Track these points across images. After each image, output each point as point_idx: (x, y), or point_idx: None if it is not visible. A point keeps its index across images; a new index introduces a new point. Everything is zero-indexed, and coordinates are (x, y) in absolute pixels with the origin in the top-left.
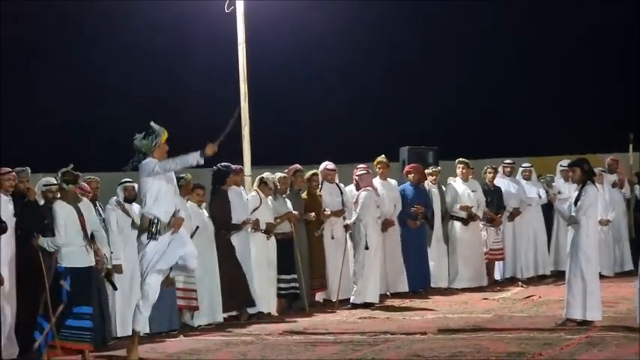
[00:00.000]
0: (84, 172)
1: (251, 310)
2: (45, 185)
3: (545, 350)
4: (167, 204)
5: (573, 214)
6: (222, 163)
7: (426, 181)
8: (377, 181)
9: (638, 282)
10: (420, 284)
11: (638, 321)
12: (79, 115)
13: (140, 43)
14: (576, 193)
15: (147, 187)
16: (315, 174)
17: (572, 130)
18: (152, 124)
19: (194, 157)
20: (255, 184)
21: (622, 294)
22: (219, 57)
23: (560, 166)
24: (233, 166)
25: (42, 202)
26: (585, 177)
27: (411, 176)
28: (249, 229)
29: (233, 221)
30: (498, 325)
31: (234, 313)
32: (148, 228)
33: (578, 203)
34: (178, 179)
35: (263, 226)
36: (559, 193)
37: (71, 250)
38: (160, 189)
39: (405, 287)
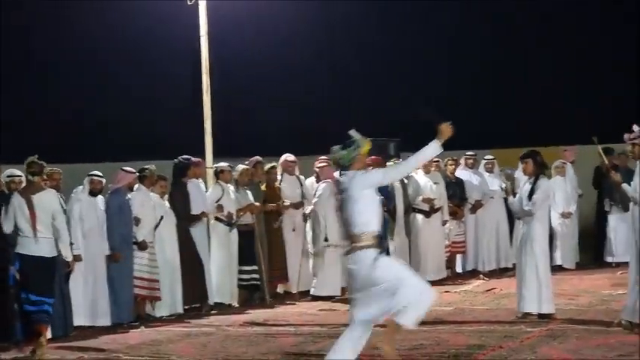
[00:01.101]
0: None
1: (211, 301)
2: (8, 176)
3: (506, 343)
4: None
5: (527, 207)
6: (183, 156)
7: None
8: (337, 173)
9: (638, 279)
10: None
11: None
12: (43, 106)
13: (101, 35)
14: (528, 185)
15: (365, 201)
16: (274, 166)
17: (536, 122)
18: (353, 132)
19: (434, 148)
20: (213, 176)
21: (583, 287)
22: (181, 49)
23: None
24: (193, 159)
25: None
26: (538, 169)
27: (371, 168)
28: (212, 218)
29: (192, 213)
30: (459, 317)
31: (195, 304)
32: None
33: (533, 197)
34: (142, 170)
35: (228, 212)
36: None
37: (22, 238)
38: (373, 201)
39: None
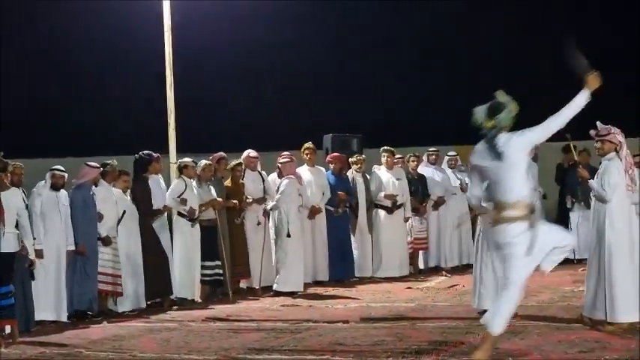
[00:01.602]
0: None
1: (174, 297)
2: None
3: (467, 339)
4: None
5: (484, 204)
6: (144, 152)
7: (350, 170)
8: (305, 168)
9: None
10: (344, 274)
11: None
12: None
13: (63, 31)
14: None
15: (521, 167)
16: (239, 164)
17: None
18: (500, 94)
19: (584, 98)
20: (176, 171)
21: (545, 283)
22: (145, 44)
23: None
24: (154, 154)
25: None
26: None
27: (332, 166)
28: (175, 213)
29: (154, 208)
30: (421, 314)
31: (157, 299)
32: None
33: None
34: (104, 165)
35: (189, 207)
36: (467, 184)
37: None
38: (528, 165)
39: (327, 276)
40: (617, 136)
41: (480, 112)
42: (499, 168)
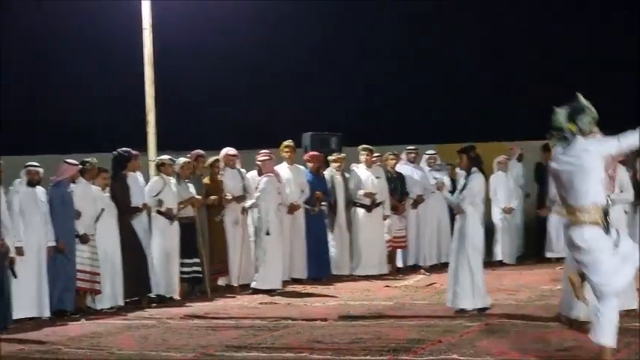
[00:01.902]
0: None
1: (153, 294)
2: None
3: (445, 337)
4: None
5: (455, 201)
6: (123, 149)
7: (329, 168)
8: (284, 166)
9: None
10: (320, 272)
11: None
12: None
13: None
14: (463, 180)
15: (597, 172)
16: (217, 160)
17: (479, 117)
18: (580, 97)
19: None
20: (155, 169)
21: (523, 282)
22: (125, 43)
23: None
24: (133, 152)
25: None
26: (471, 164)
27: (309, 165)
28: (153, 211)
29: (132, 205)
30: (399, 312)
31: (136, 297)
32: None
33: (463, 192)
34: (84, 163)
35: (166, 207)
36: (443, 183)
37: None
38: (602, 170)
39: (305, 274)
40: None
41: (561, 114)
42: (574, 172)
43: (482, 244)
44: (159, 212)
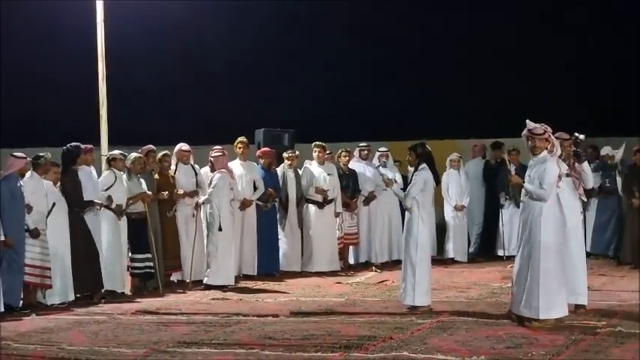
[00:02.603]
0: None
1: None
2: None
3: (396, 334)
4: None
5: (404, 198)
6: (72, 143)
7: (281, 165)
8: (237, 162)
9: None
10: (270, 268)
11: None
12: None
13: None
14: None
15: None
16: (166, 154)
17: (430, 114)
18: None
19: None
20: (106, 164)
21: (474, 279)
22: (78, 39)
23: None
24: (83, 146)
25: None
26: (420, 161)
27: (261, 160)
28: (99, 208)
29: (85, 199)
30: (351, 309)
31: (87, 292)
32: None
33: (408, 188)
34: (37, 158)
35: (117, 203)
36: (390, 180)
37: None
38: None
39: (255, 270)
40: (552, 135)
41: None
42: None
43: (428, 241)
44: (107, 207)
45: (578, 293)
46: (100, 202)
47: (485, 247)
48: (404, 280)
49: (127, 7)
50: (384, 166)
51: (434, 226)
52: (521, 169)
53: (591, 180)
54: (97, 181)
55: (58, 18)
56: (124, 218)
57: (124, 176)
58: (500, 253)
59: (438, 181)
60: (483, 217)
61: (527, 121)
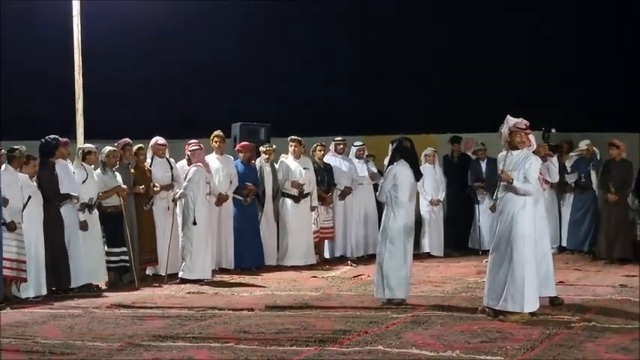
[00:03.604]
0: None
1: (79, 283)
2: None
3: (371, 328)
4: None
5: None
6: (51, 136)
7: (258, 159)
8: (213, 156)
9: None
10: (252, 262)
11: None
12: None
13: None
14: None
15: None
16: (141, 148)
17: (406, 109)
18: None
19: None
20: (79, 157)
21: (449, 274)
22: (54, 31)
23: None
24: (61, 139)
25: None
26: (393, 155)
27: (241, 155)
28: (77, 202)
29: (62, 193)
30: (326, 303)
31: (62, 286)
32: None
33: (381, 182)
34: (12, 151)
35: (88, 198)
36: (374, 174)
37: None
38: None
39: (232, 264)
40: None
41: None
42: None
43: (400, 236)
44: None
45: (549, 285)
46: (76, 195)
47: (459, 242)
48: (376, 273)
49: (104, 1)
50: (367, 161)
51: (410, 221)
52: (488, 164)
53: (557, 175)
54: (74, 174)
55: (34, 11)
56: (96, 212)
57: (98, 171)
58: (476, 247)
59: (417, 176)
60: (456, 212)
61: (508, 116)
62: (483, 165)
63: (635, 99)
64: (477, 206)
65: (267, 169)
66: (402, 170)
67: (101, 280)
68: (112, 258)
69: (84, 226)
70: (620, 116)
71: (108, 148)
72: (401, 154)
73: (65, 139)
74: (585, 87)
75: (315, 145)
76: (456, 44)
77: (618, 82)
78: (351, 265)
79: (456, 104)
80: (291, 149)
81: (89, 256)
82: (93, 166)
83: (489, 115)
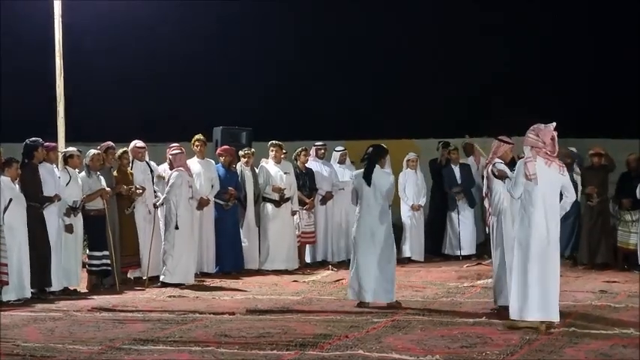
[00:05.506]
0: None
1: (60, 287)
2: None
3: (352, 333)
4: None
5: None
6: (31, 138)
7: (239, 163)
8: (195, 160)
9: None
10: (233, 266)
11: None
12: None
13: None
14: None
15: None
16: (126, 152)
17: (389, 114)
18: None
19: None
20: (62, 161)
21: (430, 279)
22: (36, 34)
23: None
24: (42, 141)
25: None
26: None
27: (222, 159)
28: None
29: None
30: (307, 307)
31: (43, 289)
32: None
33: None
34: None
35: (72, 201)
36: None
37: None
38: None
39: (213, 268)
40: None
41: None
42: None
43: (360, 238)
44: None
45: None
46: (60, 197)
47: (434, 247)
48: (360, 277)
49: (85, 4)
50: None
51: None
52: (462, 168)
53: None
54: (59, 178)
55: (15, 13)
56: (79, 215)
57: (83, 174)
58: (457, 252)
59: (367, 181)
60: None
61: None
62: (456, 170)
63: (617, 105)
64: (454, 212)
65: (248, 173)
66: (356, 175)
67: (77, 284)
68: (94, 261)
69: (69, 229)
70: (602, 122)
71: (92, 152)
72: (368, 159)
73: (54, 144)
74: (569, 93)
75: (299, 149)
76: (440, 48)
77: (601, 88)
78: (332, 270)
79: (447, 109)
80: (271, 154)
81: (67, 259)
82: (77, 169)
83: (474, 120)
